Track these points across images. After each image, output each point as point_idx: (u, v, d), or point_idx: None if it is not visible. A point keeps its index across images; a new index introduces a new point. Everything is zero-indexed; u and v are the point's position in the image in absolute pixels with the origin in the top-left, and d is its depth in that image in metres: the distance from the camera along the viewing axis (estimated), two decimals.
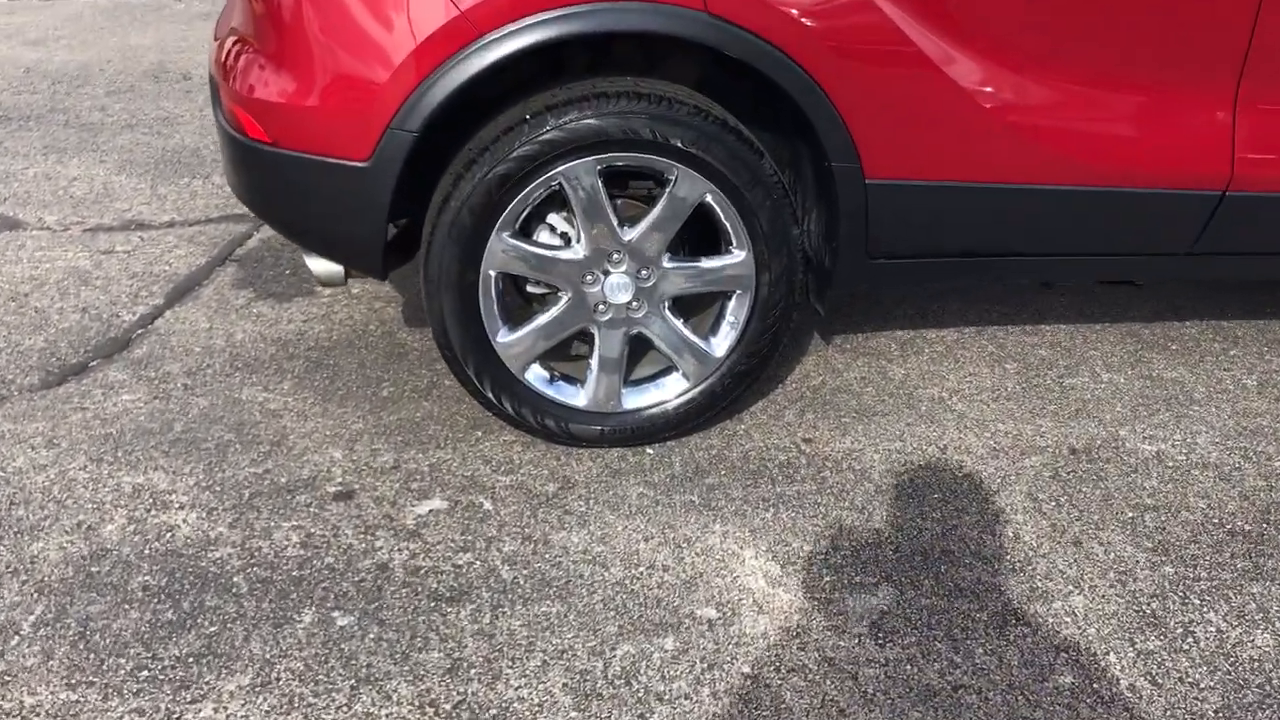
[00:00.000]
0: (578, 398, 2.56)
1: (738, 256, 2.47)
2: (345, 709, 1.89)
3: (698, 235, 2.54)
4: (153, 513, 2.35)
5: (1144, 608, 2.18)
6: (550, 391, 2.55)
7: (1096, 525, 2.42)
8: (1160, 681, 2.00)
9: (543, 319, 2.47)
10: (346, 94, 2.26)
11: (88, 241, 3.61)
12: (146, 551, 2.23)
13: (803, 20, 2.24)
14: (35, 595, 2.11)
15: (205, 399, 2.75)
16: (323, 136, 2.29)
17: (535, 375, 2.54)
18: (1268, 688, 2.00)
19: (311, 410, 2.72)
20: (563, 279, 2.43)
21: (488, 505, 2.41)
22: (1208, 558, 2.32)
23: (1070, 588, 2.23)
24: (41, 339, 3.00)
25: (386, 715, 1.88)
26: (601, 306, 2.47)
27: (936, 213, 2.50)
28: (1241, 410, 2.86)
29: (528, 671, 1.98)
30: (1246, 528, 2.41)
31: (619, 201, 2.48)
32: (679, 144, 2.31)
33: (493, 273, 2.40)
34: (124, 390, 2.78)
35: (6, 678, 1.93)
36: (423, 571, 2.21)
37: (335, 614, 2.09)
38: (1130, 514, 2.46)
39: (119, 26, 6.54)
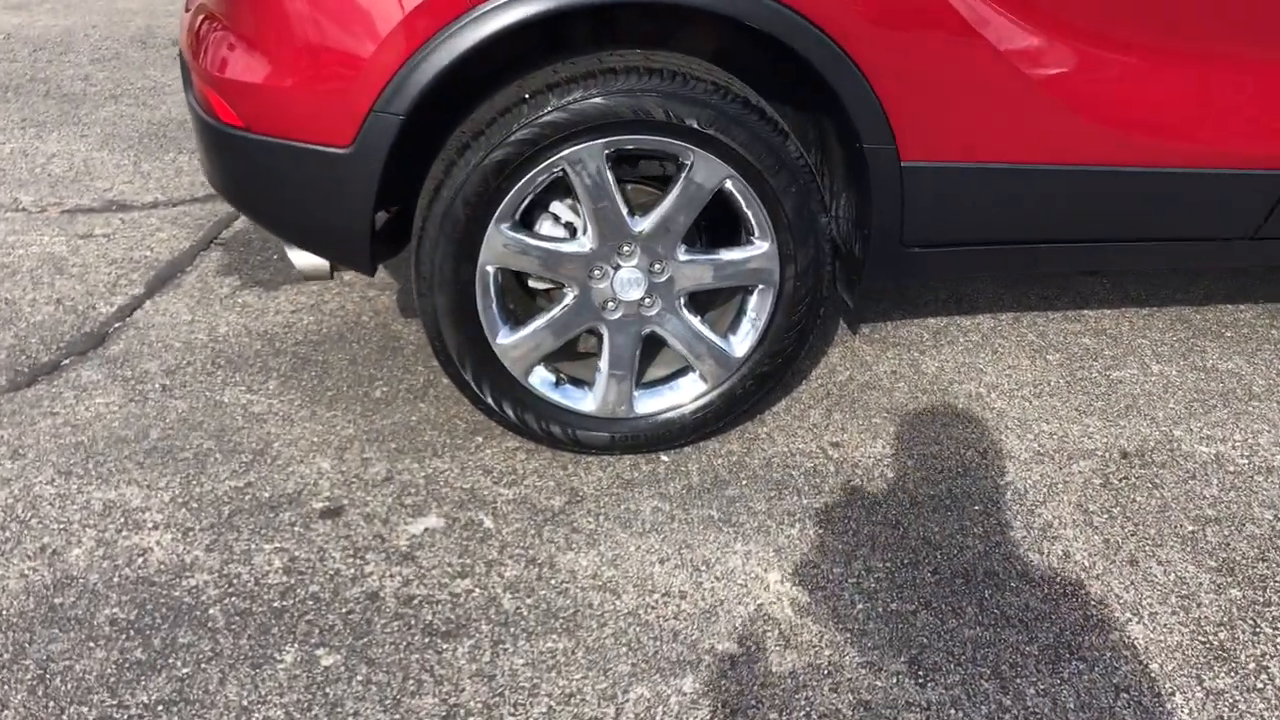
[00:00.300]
0: (585, 402, 2.35)
1: (760, 248, 2.24)
2: None
3: (716, 224, 2.32)
4: (124, 534, 2.15)
5: (1211, 638, 1.98)
6: (556, 396, 2.34)
7: (1154, 541, 2.21)
8: None
9: (546, 319, 2.25)
10: (324, 74, 2.03)
11: (65, 224, 3.40)
12: (116, 579, 2.04)
13: None
14: None
15: (184, 401, 2.55)
16: (299, 120, 2.07)
17: (539, 379, 2.33)
18: None
19: (298, 414, 2.52)
20: (568, 275, 2.22)
21: (488, 523, 2.21)
22: (1279, 578, 2.11)
23: (1128, 615, 2.02)
24: (11, 334, 2.80)
25: None
26: (611, 304, 2.25)
27: (981, 198, 2.27)
28: None
29: (532, 719, 1.79)
30: None
31: (629, 187, 2.26)
32: (695, 125, 2.09)
33: (490, 269, 2.18)
34: (97, 392, 2.58)
35: None
36: (416, 601, 2.01)
37: (320, 652, 1.90)
38: (1190, 527, 2.25)
39: None
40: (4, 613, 1.96)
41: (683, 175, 2.15)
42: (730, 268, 2.26)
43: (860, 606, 2.03)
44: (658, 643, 1.93)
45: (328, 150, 2.07)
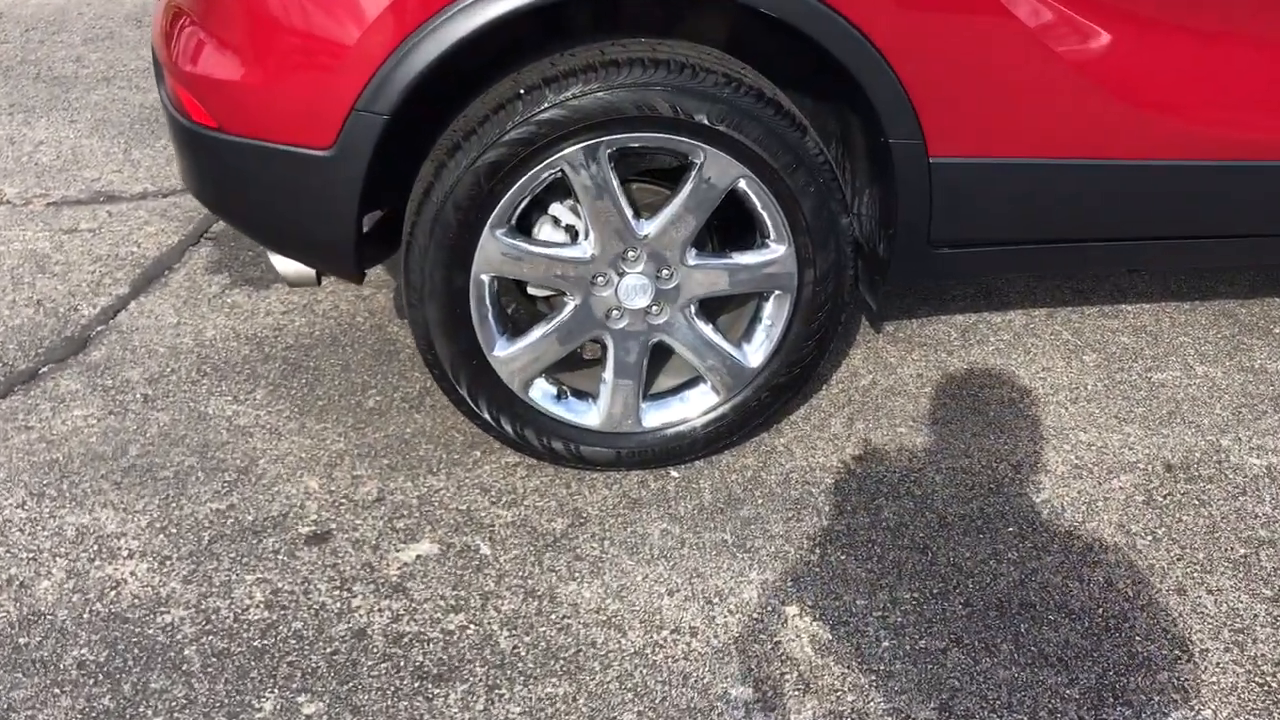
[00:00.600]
0: (589, 416, 2.19)
1: (776, 251, 2.07)
2: None
3: (730, 224, 2.15)
4: (97, 564, 2.02)
5: (1269, 680, 1.82)
6: (558, 410, 2.18)
7: (1202, 567, 2.04)
8: None
9: (545, 329, 2.10)
10: (301, 70, 1.87)
11: (50, 218, 3.25)
12: (86, 616, 1.91)
13: None
14: None
15: (166, 414, 2.41)
16: (275, 121, 1.91)
17: (540, 391, 2.17)
18: None
19: (286, 426, 2.37)
20: (568, 282, 2.05)
21: (485, 549, 2.06)
22: None
23: (1177, 652, 1.86)
24: None
25: None
26: (615, 312, 2.09)
27: (1017, 196, 2.09)
28: None
29: None
30: None
31: (634, 187, 2.10)
32: (705, 121, 1.91)
33: (485, 277, 2.02)
34: (76, 404, 2.44)
35: None
36: (406, 640, 1.87)
37: (301, 699, 1.76)
38: (1241, 550, 2.08)
39: None
40: None
41: (692, 175, 1.99)
42: (744, 273, 2.09)
43: (886, 644, 1.87)
44: (666, 687, 1.79)
45: (306, 152, 1.91)
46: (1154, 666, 1.84)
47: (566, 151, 1.92)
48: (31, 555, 2.03)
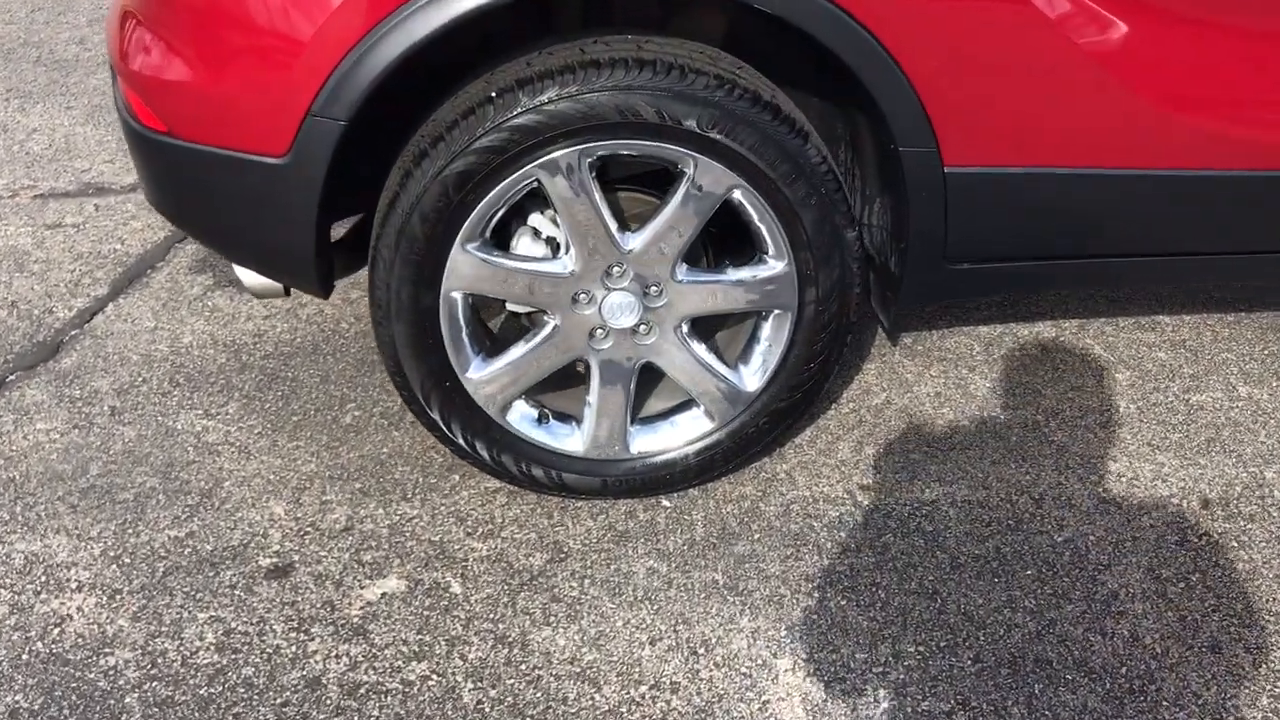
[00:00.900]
0: (572, 441, 2.03)
1: (775, 268, 1.90)
2: None
3: (724, 234, 1.98)
4: (43, 597, 1.89)
5: None
6: (538, 435, 2.02)
7: (1241, 620, 1.86)
8: None
9: (522, 350, 1.94)
10: (249, 71, 1.71)
11: (35, 212, 3.13)
12: (24, 657, 1.78)
13: None
14: None
15: (133, 428, 2.28)
16: (225, 125, 1.75)
17: (519, 415, 2.02)
18: None
19: (256, 444, 2.24)
20: (547, 300, 1.89)
21: (456, 587, 1.91)
22: None
23: None
24: None
25: None
26: (599, 333, 1.93)
27: (1043, 209, 1.90)
28: None
29: None
30: None
31: (622, 195, 1.93)
32: (694, 126, 1.74)
33: (456, 295, 1.86)
34: (39, 416, 2.31)
35: None
36: (363, 691, 1.73)
37: None
38: None
39: None
40: None
41: (681, 186, 1.81)
42: (739, 290, 1.92)
43: (885, 706, 1.71)
44: None
45: (259, 160, 1.75)
46: None
47: (542, 160, 1.75)
48: None
